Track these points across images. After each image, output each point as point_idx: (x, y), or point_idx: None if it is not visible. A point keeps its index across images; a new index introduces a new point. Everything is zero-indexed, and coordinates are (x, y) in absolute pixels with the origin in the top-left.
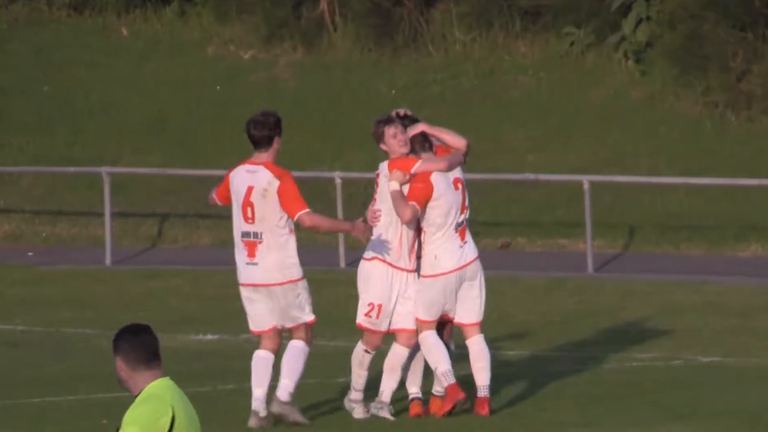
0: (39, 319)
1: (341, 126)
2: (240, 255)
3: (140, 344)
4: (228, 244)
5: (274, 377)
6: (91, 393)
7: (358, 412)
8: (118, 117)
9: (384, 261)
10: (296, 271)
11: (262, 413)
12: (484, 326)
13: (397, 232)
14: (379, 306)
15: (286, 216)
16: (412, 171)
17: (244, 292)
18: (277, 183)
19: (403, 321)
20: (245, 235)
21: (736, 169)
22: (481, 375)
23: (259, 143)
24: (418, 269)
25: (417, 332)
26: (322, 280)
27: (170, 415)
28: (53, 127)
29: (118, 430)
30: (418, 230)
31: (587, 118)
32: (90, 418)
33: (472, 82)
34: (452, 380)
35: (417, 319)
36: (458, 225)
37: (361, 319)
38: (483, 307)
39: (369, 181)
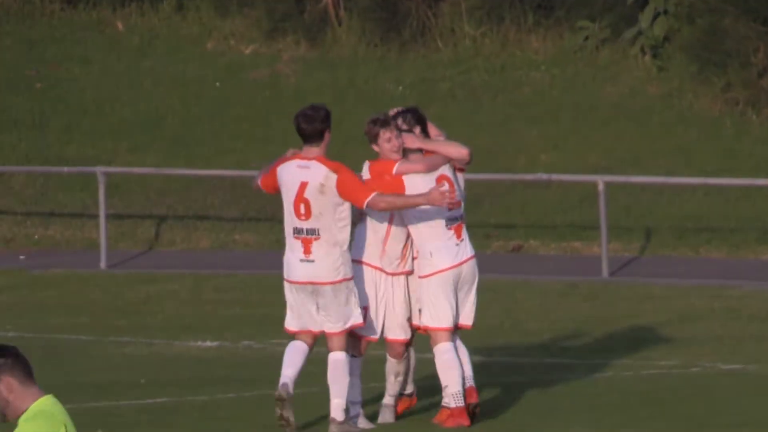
0: (31, 325)
1: (346, 125)
2: (292, 252)
3: (22, 360)
4: (227, 246)
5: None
6: (86, 402)
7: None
8: (113, 115)
9: (369, 264)
10: (349, 270)
11: (291, 390)
12: (495, 333)
13: (381, 233)
14: (365, 308)
15: (343, 211)
16: (393, 173)
17: (292, 290)
18: (335, 176)
19: (391, 331)
20: (298, 231)
21: (757, 169)
22: (464, 367)
23: (311, 137)
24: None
25: (432, 342)
26: None
27: None
28: (46, 126)
29: None
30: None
31: (602, 116)
32: (85, 429)
33: (483, 78)
34: (461, 403)
35: (428, 328)
36: (450, 221)
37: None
38: (473, 312)
39: None
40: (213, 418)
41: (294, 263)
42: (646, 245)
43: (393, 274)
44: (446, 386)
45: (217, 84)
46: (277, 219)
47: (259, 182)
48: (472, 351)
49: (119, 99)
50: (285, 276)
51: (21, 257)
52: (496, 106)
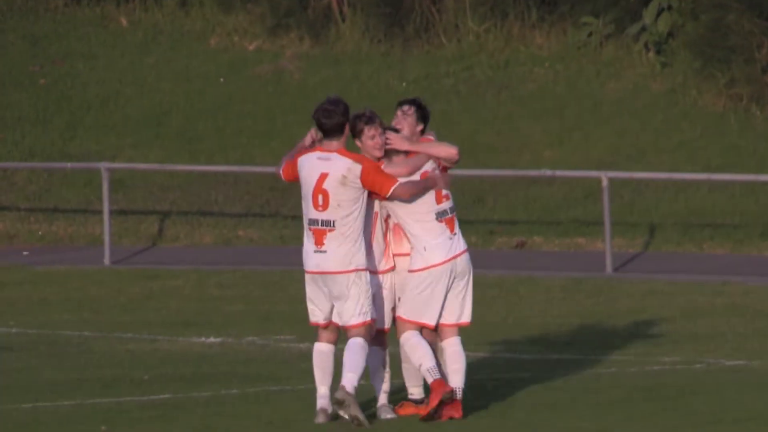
0: (34, 321)
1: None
2: (308, 243)
3: None
4: (230, 242)
5: (336, 371)
6: (89, 398)
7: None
8: (117, 111)
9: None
10: (363, 261)
11: (329, 410)
12: (498, 329)
13: (368, 236)
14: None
15: (360, 204)
16: None
17: (309, 280)
18: (359, 167)
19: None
20: (313, 222)
21: (761, 165)
22: (456, 377)
23: (331, 131)
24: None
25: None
26: None
27: None
28: (49, 121)
29: None
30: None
31: (606, 112)
32: (88, 425)
33: (486, 74)
34: (438, 375)
35: (399, 318)
36: (440, 214)
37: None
38: (470, 309)
39: None
40: (216, 414)
41: (309, 253)
42: (650, 241)
43: (375, 273)
44: (420, 365)
45: (221, 80)
46: (281, 215)
47: (280, 170)
48: (476, 347)
49: (123, 95)
50: (304, 266)
51: (24, 253)
52: (499, 101)
